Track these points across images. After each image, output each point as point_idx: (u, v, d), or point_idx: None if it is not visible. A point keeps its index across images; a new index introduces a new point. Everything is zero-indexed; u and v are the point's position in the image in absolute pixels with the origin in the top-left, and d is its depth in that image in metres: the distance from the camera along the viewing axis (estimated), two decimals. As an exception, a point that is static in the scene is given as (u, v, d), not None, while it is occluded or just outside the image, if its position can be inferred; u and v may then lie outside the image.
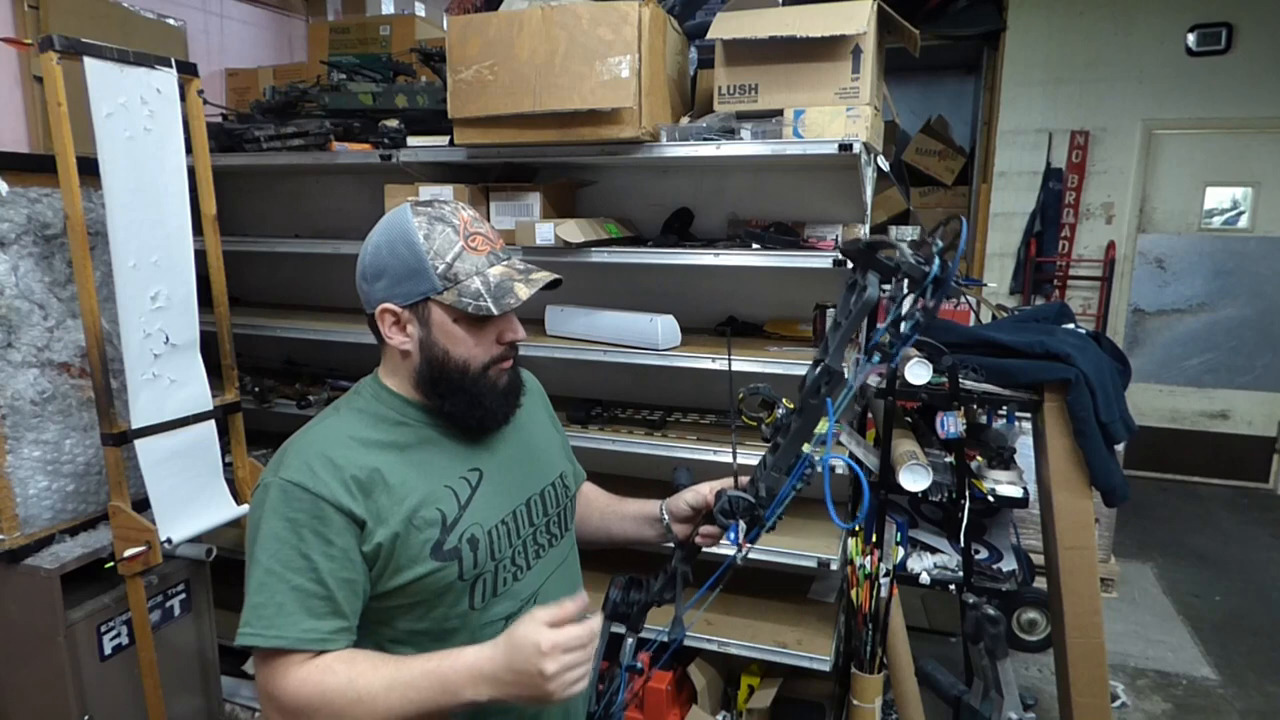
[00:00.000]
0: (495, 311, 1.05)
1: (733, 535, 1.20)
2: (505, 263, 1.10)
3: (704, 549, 1.30)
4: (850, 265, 1.16)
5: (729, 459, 2.23)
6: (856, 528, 2.17)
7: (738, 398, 1.36)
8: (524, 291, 1.06)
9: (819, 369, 1.13)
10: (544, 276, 1.10)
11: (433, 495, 1.06)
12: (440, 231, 1.05)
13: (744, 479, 1.24)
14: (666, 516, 1.31)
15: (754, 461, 1.26)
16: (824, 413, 1.17)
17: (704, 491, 1.28)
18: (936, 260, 1.04)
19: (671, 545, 1.32)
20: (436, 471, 1.08)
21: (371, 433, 1.07)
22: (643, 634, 1.31)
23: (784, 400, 1.26)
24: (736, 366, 2.16)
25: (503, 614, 1.12)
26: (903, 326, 1.11)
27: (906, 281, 1.10)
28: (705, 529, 1.28)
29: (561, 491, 1.26)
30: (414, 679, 0.94)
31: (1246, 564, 3.98)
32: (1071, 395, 1.96)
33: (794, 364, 2.11)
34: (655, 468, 2.38)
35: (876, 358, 1.16)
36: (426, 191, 2.37)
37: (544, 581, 1.20)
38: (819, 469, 1.17)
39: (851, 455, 2.10)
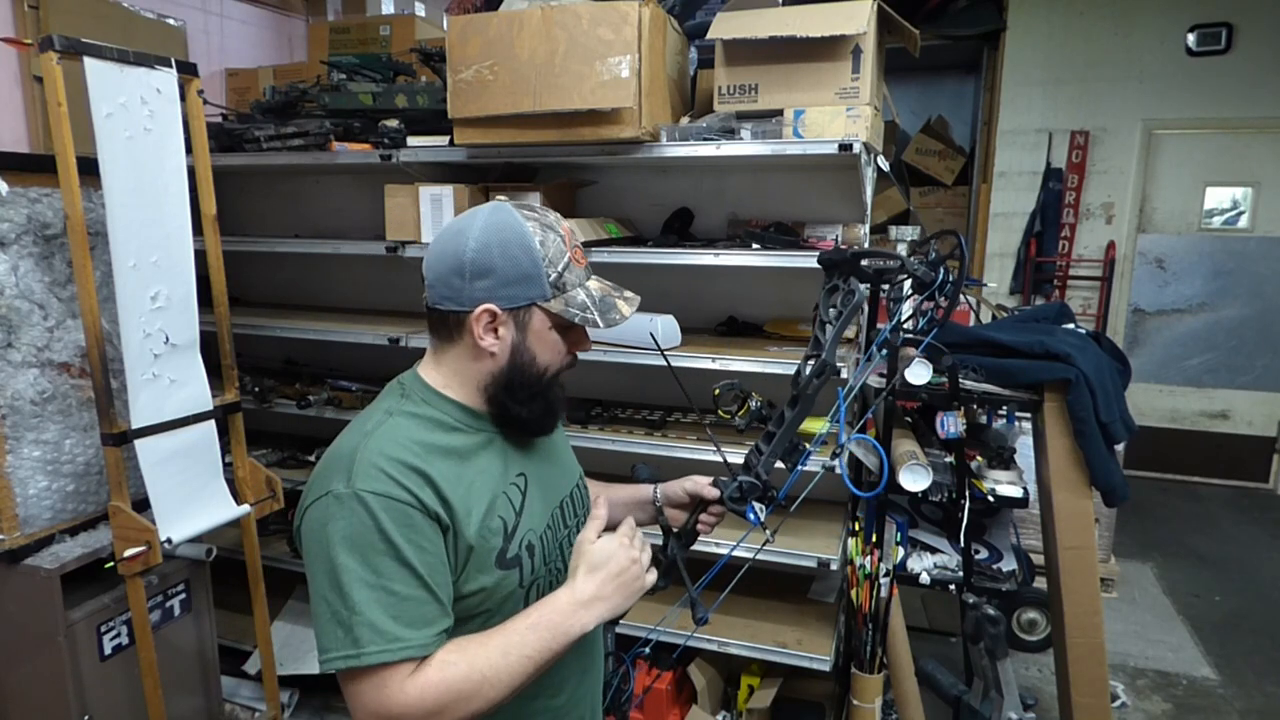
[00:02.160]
0: (602, 325, 1.07)
1: (752, 516, 1.25)
2: (596, 279, 1.13)
3: (701, 535, 1.34)
4: (829, 271, 1.23)
5: (730, 459, 2.24)
6: (856, 526, 2.17)
7: (713, 393, 1.42)
8: (627, 310, 1.10)
9: (813, 363, 1.18)
10: (636, 298, 1.14)
11: (495, 503, 1.05)
12: (553, 240, 1.05)
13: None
14: (660, 499, 1.34)
15: (742, 459, 1.31)
16: (814, 403, 1.24)
17: (701, 481, 1.32)
18: (942, 269, 1.12)
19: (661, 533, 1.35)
20: (493, 478, 1.07)
21: (432, 438, 1.04)
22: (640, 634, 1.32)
23: (754, 394, 1.31)
24: (737, 367, 2.16)
25: None
26: (918, 323, 1.22)
27: (911, 285, 1.18)
28: (706, 516, 1.32)
29: (585, 493, 1.28)
30: (524, 638, 0.98)
31: (1246, 564, 3.98)
32: (1071, 395, 1.96)
33: (795, 364, 2.11)
34: (656, 469, 2.39)
35: (885, 352, 1.24)
36: (426, 192, 2.37)
37: None
38: (838, 458, 1.23)
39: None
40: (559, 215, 1.11)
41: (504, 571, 1.04)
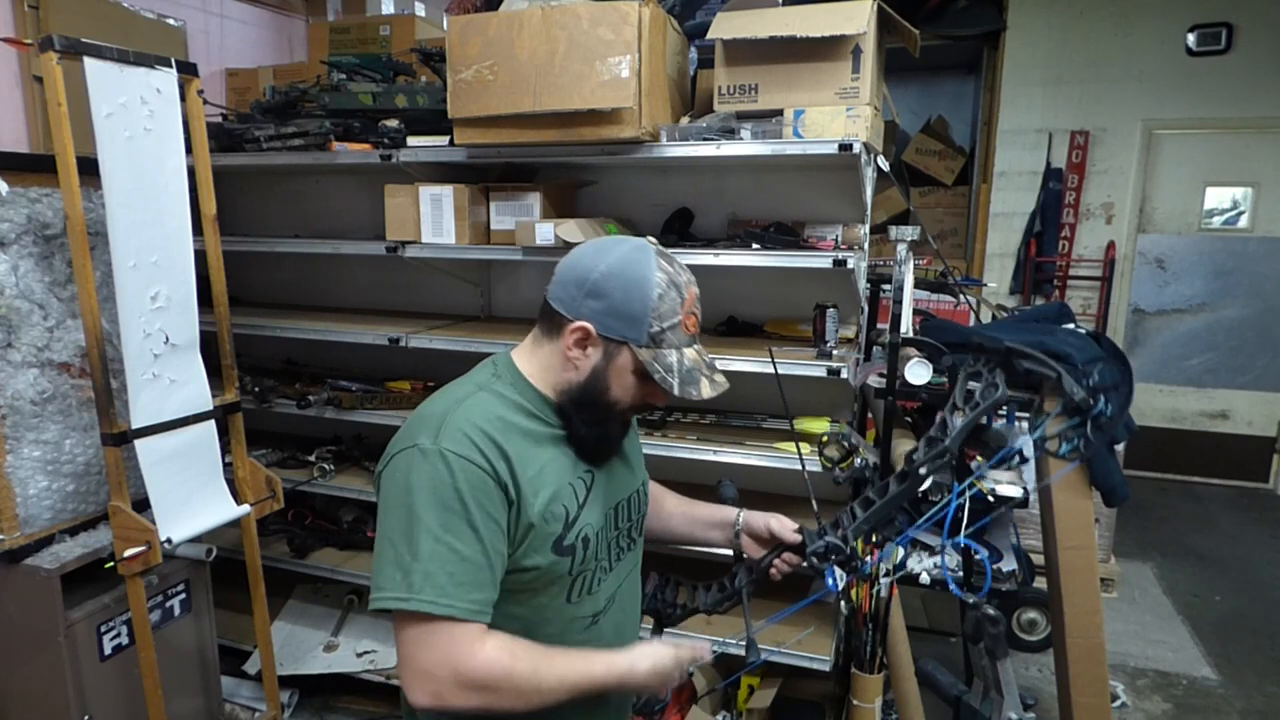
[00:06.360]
0: (676, 393, 1.10)
1: (831, 581, 1.25)
2: (696, 348, 1.15)
3: (773, 579, 1.35)
4: (974, 354, 1.22)
5: (729, 459, 2.24)
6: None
7: (821, 439, 1.37)
8: (707, 391, 1.12)
9: (934, 449, 1.19)
10: (724, 383, 1.16)
11: (560, 491, 1.11)
12: (671, 298, 1.10)
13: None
14: (741, 526, 1.38)
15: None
16: (922, 483, 1.26)
17: (787, 524, 1.35)
18: (1101, 397, 1.12)
19: (733, 556, 1.34)
20: (562, 468, 1.13)
21: (514, 418, 1.11)
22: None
23: (862, 449, 1.29)
24: (736, 367, 2.15)
25: (589, 611, 1.17)
26: (1060, 447, 1.21)
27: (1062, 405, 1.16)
28: (780, 564, 1.35)
29: (643, 499, 1.31)
30: (580, 674, 1.07)
31: (1246, 564, 3.98)
32: (1071, 395, 1.96)
33: (794, 364, 2.10)
34: (655, 468, 2.38)
35: (1016, 460, 1.27)
36: (426, 192, 2.37)
37: (620, 584, 1.25)
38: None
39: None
40: (693, 279, 1.15)
41: (558, 557, 1.10)
